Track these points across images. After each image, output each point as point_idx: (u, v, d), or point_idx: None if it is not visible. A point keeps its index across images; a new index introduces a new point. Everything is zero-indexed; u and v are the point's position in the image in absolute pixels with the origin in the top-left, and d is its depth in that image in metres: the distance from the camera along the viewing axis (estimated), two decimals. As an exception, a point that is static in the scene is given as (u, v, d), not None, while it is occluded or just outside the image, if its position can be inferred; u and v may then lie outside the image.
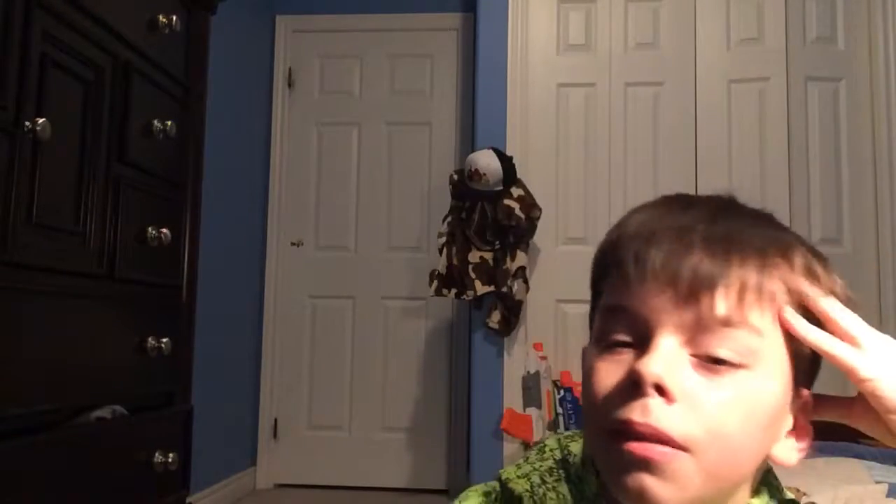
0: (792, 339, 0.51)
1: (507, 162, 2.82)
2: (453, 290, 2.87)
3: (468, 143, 3.32)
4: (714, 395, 0.48)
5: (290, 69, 3.68)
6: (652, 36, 3.08)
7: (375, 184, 3.62)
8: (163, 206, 1.65)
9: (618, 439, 0.48)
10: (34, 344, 1.22)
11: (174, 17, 1.63)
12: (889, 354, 0.52)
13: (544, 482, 0.60)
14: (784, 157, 2.91)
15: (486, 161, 2.79)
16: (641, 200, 0.58)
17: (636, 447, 0.47)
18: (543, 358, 2.86)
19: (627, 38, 3.08)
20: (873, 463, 1.58)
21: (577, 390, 2.72)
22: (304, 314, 3.58)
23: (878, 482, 1.44)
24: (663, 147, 3.01)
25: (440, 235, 2.94)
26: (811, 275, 0.52)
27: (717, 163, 2.96)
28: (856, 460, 1.59)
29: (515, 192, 2.81)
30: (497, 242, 2.82)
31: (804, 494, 1.29)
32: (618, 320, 0.52)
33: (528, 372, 2.84)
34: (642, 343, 0.50)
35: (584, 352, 0.55)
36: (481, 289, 2.81)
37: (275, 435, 3.52)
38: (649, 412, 0.47)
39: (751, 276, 0.49)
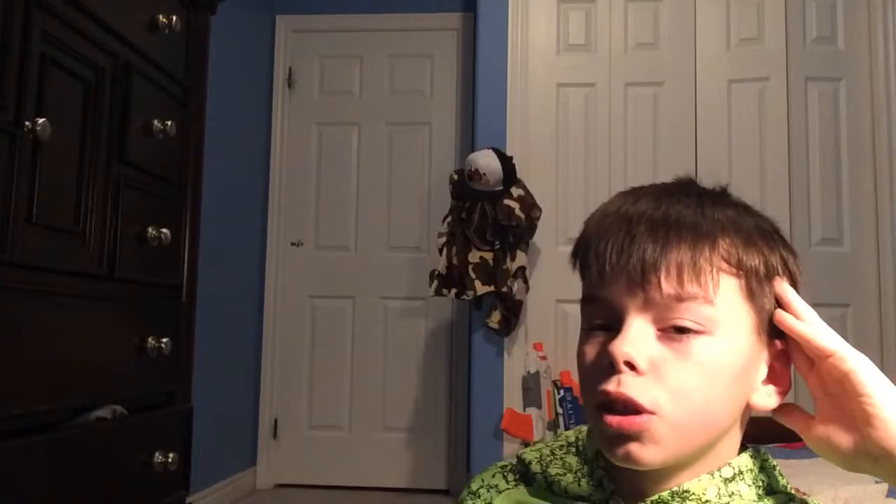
0: (755, 300, 0.58)
1: (507, 162, 2.82)
2: (453, 290, 2.87)
3: (468, 143, 3.32)
4: (678, 363, 0.55)
5: (290, 69, 3.68)
6: (652, 36, 3.08)
7: (375, 184, 3.62)
8: (163, 206, 1.65)
9: (602, 413, 0.56)
10: (34, 344, 1.22)
11: (174, 17, 1.62)
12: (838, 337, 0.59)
13: (553, 454, 0.68)
14: (784, 157, 2.91)
15: (486, 161, 2.79)
16: (641, 200, 0.62)
17: (615, 420, 0.55)
18: (543, 358, 2.86)
19: (627, 38, 3.08)
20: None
21: (577, 390, 2.72)
22: (304, 314, 3.58)
23: (877, 482, 1.44)
24: (663, 147, 3.01)
25: (440, 235, 2.94)
26: (749, 246, 0.58)
27: (717, 163, 2.96)
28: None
29: (515, 192, 2.81)
30: (497, 242, 2.82)
31: (804, 494, 1.29)
32: (594, 308, 0.60)
33: (528, 372, 2.84)
34: (616, 325, 0.57)
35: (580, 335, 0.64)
36: (481, 289, 2.81)
37: (275, 435, 3.52)
38: (621, 384, 0.55)
39: (685, 255, 0.56)
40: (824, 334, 0.58)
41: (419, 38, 3.67)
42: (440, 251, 2.92)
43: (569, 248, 0.65)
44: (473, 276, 2.82)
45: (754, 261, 0.58)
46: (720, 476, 0.59)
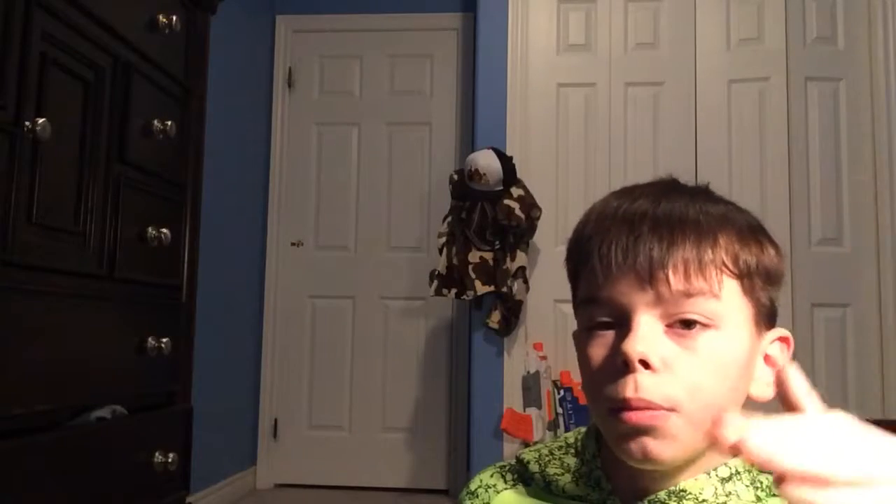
0: (752, 294, 0.59)
1: (507, 162, 2.82)
2: (453, 290, 2.87)
3: (468, 143, 3.32)
4: (689, 359, 0.56)
5: (290, 69, 3.68)
6: (652, 36, 3.08)
7: (375, 184, 3.62)
8: (163, 206, 1.65)
9: (618, 412, 0.56)
10: (34, 344, 1.22)
11: (174, 17, 1.63)
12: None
13: (552, 454, 0.68)
14: (784, 157, 2.91)
15: (486, 161, 2.79)
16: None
17: (633, 416, 0.55)
18: (543, 358, 2.86)
19: (627, 38, 3.08)
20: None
21: (577, 390, 2.72)
22: (304, 314, 3.58)
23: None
24: (663, 147, 3.01)
25: (440, 235, 2.94)
26: (744, 242, 0.59)
27: (717, 163, 2.96)
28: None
29: (515, 192, 2.81)
30: (497, 242, 2.82)
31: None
32: (598, 307, 0.60)
33: (528, 372, 2.84)
34: (622, 323, 0.58)
35: (575, 336, 0.64)
36: (481, 289, 2.81)
37: (275, 435, 3.52)
38: (639, 387, 0.55)
39: (691, 252, 0.57)
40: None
41: (419, 38, 3.67)
42: (440, 251, 2.92)
43: (569, 248, 0.65)
44: (473, 276, 2.82)
45: (750, 256, 0.59)
46: (717, 475, 0.59)
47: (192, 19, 1.77)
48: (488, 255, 2.82)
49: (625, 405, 0.56)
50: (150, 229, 1.55)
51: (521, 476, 0.69)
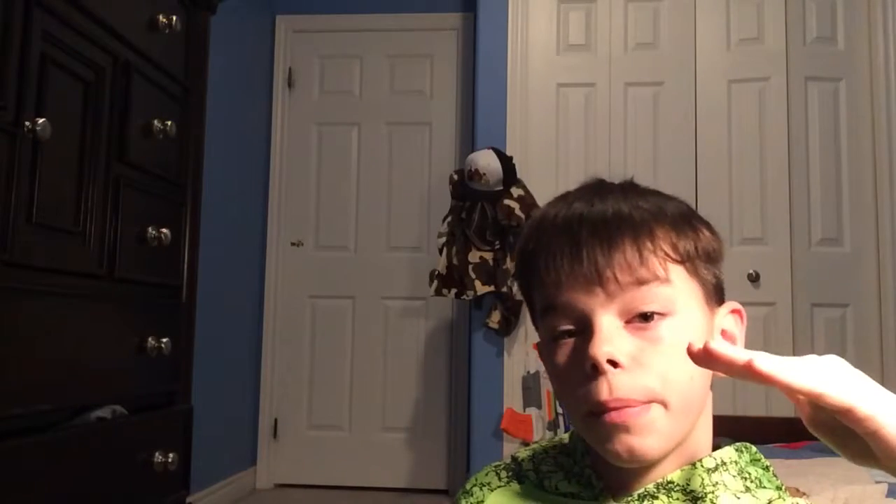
0: (697, 275, 0.61)
1: (507, 162, 2.83)
2: (453, 290, 2.87)
3: (468, 143, 3.32)
4: (654, 349, 0.57)
5: (290, 69, 3.68)
6: (652, 36, 3.08)
7: (375, 184, 3.62)
8: (163, 206, 1.65)
9: (597, 415, 0.57)
10: (34, 344, 1.22)
11: (174, 17, 1.63)
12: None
13: (546, 452, 0.69)
14: (784, 157, 2.91)
15: (486, 161, 2.79)
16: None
17: (614, 416, 0.56)
18: (543, 358, 2.86)
19: (627, 38, 3.08)
20: (873, 463, 1.57)
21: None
22: (304, 314, 3.58)
23: (877, 482, 1.44)
24: (663, 147, 3.01)
25: (440, 235, 2.95)
26: (679, 230, 0.61)
27: (717, 163, 2.96)
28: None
29: (515, 192, 2.81)
30: (497, 242, 2.82)
31: (804, 494, 1.29)
32: (557, 315, 0.60)
33: (528, 372, 2.84)
34: (584, 328, 0.59)
35: (539, 348, 0.66)
36: (481, 289, 2.81)
37: (275, 435, 3.52)
38: (613, 387, 0.56)
39: (630, 247, 0.58)
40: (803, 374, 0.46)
41: (419, 38, 3.67)
42: (440, 251, 2.92)
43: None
44: (473, 276, 2.82)
45: (687, 242, 0.61)
46: (703, 467, 0.60)
47: (192, 19, 1.77)
48: (488, 255, 2.82)
49: (602, 408, 0.56)
50: (150, 229, 1.55)
51: (516, 474, 0.69)
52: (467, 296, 2.85)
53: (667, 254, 0.59)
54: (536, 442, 0.72)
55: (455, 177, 2.96)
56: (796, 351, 2.77)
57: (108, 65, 1.43)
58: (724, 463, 0.60)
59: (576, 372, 0.58)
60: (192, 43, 1.77)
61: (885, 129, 2.84)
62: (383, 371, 3.53)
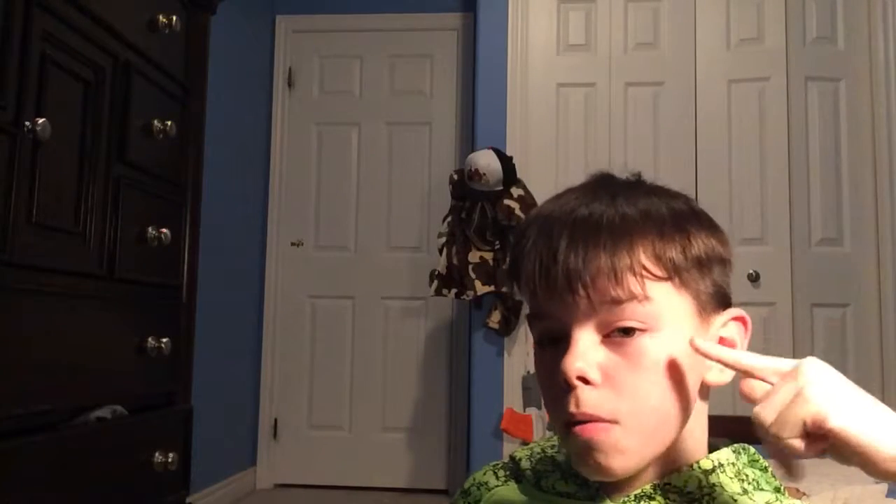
0: (688, 287, 0.58)
1: (507, 162, 2.82)
2: (453, 290, 2.87)
3: (468, 143, 3.32)
4: (629, 367, 0.56)
5: (290, 69, 3.68)
6: (652, 36, 3.08)
7: (375, 184, 3.62)
8: (163, 206, 1.65)
9: (568, 427, 0.57)
10: (34, 344, 1.22)
11: (174, 17, 1.63)
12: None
13: (544, 452, 0.69)
14: (784, 157, 2.91)
15: (486, 161, 2.79)
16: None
17: (580, 430, 0.56)
18: (543, 358, 2.85)
19: (627, 38, 3.08)
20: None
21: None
22: (304, 314, 3.58)
23: (877, 482, 1.44)
24: (663, 147, 3.01)
25: (440, 235, 2.94)
26: (667, 238, 0.58)
27: (717, 163, 2.96)
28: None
29: (515, 192, 2.81)
30: (497, 242, 2.82)
31: (804, 494, 1.29)
32: (541, 324, 0.60)
33: (528, 372, 2.84)
34: (563, 338, 0.58)
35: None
36: (481, 289, 2.81)
37: (275, 435, 3.52)
38: (581, 402, 0.56)
39: (605, 261, 0.56)
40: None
41: (419, 38, 3.67)
42: (440, 251, 2.92)
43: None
44: (473, 276, 2.82)
45: (675, 252, 0.58)
46: (699, 468, 0.60)
47: (192, 19, 1.77)
48: (488, 255, 2.82)
49: (572, 420, 0.57)
50: (150, 229, 1.55)
51: (514, 474, 0.70)
52: (467, 296, 2.85)
53: (647, 270, 0.57)
54: (535, 442, 0.72)
55: (455, 177, 2.96)
56: (796, 351, 2.77)
57: (108, 65, 1.43)
58: (721, 465, 0.60)
59: (554, 382, 0.58)
60: (192, 43, 1.77)
61: (885, 129, 2.84)
62: (383, 371, 3.53)
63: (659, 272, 0.57)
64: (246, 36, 3.39)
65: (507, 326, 2.86)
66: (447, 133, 3.61)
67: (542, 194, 2.86)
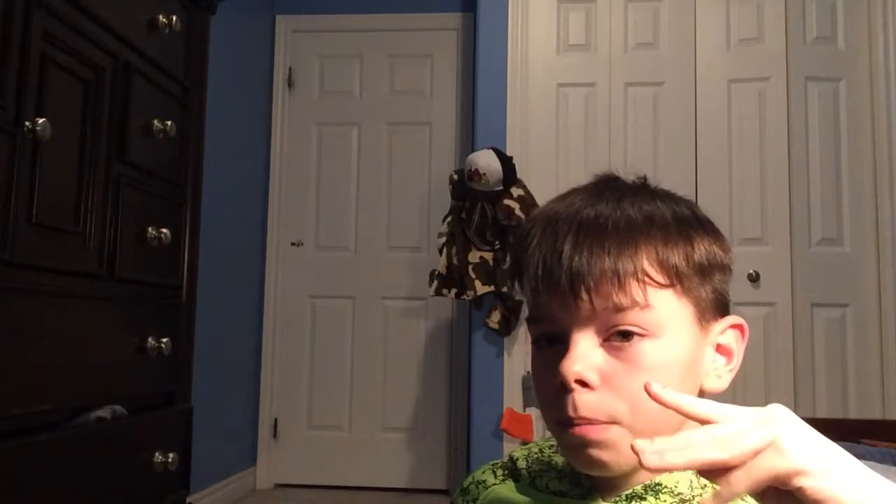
0: (689, 294, 0.58)
1: (507, 162, 2.82)
2: (453, 290, 2.87)
3: (468, 143, 3.32)
4: (628, 371, 0.56)
5: (290, 69, 3.68)
6: (652, 36, 3.08)
7: (375, 184, 3.62)
8: (163, 206, 1.65)
9: (564, 427, 0.58)
10: (34, 344, 1.22)
11: (174, 17, 1.63)
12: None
13: (542, 452, 0.70)
14: (784, 157, 2.91)
15: (486, 161, 2.79)
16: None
17: (577, 431, 0.57)
18: (543, 358, 2.85)
19: (627, 38, 3.08)
20: (873, 463, 1.58)
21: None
22: (304, 314, 3.58)
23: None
24: (663, 147, 3.01)
25: (440, 235, 2.95)
26: (670, 244, 0.58)
27: (717, 163, 2.96)
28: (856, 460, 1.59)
29: (515, 192, 2.81)
30: (497, 242, 2.82)
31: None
32: (540, 325, 0.61)
33: (528, 372, 2.84)
34: (562, 340, 0.58)
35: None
36: (481, 289, 2.81)
37: (275, 435, 3.52)
38: (578, 406, 0.56)
39: (609, 266, 0.56)
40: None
41: (419, 38, 3.67)
42: (440, 251, 2.92)
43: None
44: (473, 276, 2.82)
45: (678, 258, 0.58)
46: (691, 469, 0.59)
47: (192, 19, 1.77)
48: (488, 255, 2.82)
49: (568, 421, 0.57)
50: (150, 229, 1.55)
51: (512, 473, 0.70)
52: (467, 296, 2.85)
53: (650, 277, 0.57)
54: (535, 442, 0.72)
55: (455, 177, 2.96)
56: (797, 351, 2.77)
57: (108, 65, 1.43)
58: None
59: (550, 381, 0.58)
60: (192, 43, 1.77)
61: (885, 129, 2.85)
62: (383, 371, 3.53)
63: (661, 279, 0.58)
64: (246, 36, 3.39)
65: (507, 326, 2.86)
66: (447, 133, 3.61)
67: (542, 194, 2.87)
